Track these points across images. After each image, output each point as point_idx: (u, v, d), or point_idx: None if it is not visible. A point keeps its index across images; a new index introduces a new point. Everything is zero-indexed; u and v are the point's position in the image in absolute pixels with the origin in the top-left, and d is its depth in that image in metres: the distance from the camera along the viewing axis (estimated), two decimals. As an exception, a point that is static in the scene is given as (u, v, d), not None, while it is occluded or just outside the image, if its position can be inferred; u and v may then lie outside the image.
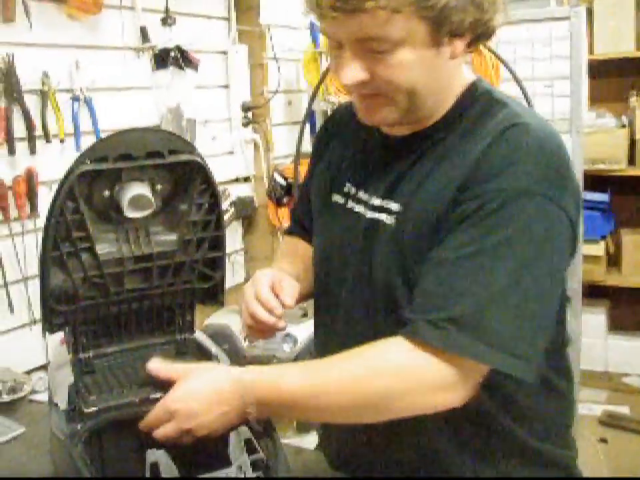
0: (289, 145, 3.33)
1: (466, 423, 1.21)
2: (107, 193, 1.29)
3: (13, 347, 2.19)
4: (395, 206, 1.21)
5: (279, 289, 1.30)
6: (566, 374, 1.34)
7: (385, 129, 1.26)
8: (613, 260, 4.24)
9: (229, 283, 1.49)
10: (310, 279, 1.44)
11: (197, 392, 1.15)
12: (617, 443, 3.65)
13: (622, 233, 4.23)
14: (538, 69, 2.83)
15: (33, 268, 2.21)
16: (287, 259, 1.52)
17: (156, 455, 1.16)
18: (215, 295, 1.49)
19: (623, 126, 4.05)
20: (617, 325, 4.42)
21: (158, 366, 1.23)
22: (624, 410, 3.99)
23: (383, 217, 1.22)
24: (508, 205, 1.07)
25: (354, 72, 1.10)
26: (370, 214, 1.26)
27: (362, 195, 1.30)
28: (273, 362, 1.99)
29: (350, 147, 1.36)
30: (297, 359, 2.29)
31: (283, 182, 3.01)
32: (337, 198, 1.35)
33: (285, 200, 3.00)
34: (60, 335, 2.17)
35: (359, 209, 1.29)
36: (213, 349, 1.48)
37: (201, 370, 1.20)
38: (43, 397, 1.97)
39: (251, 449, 1.20)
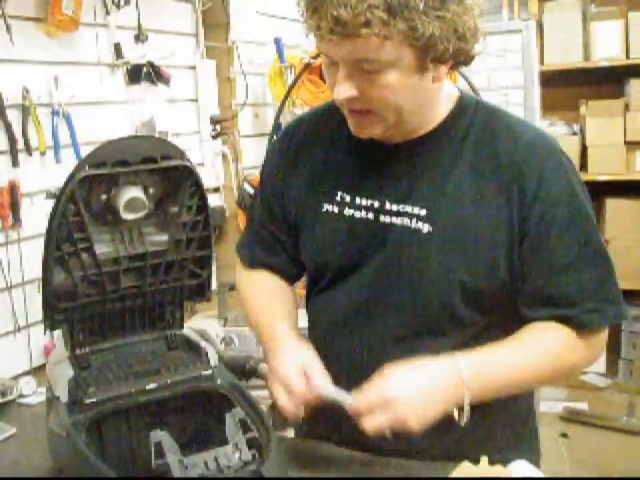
0: (256, 156, 3.43)
1: None
2: (104, 196, 1.38)
3: (-2, 353, 2.26)
4: (417, 210, 1.31)
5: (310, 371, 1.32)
6: None
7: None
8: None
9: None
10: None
11: (417, 383, 1.21)
12: (577, 437, 3.79)
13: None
14: (493, 79, 2.99)
15: (17, 277, 2.28)
16: (277, 305, 1.52)
17: (159, 436, 1.24)
18: (202, 292, 1.57)
19: (574, 133, 4.23)
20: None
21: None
22: (583, 406, 4.14)
23: (405, 221, 1.31)
24: (579, 199, 1.29)
25: (346, 89, 1.22)
26: (385, 218, 1.34)
27: (362, 201, 1.37)
28: (249, 362, 2.06)
29: (332, 156, 1.42)
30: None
31: (251, 191, 3.10)
32: (329, 207, 1.41)
33: (254, 208, 3.09)
34: (44, 341, 2.25)
35: (361, 214, 1.36)
36: (202, 343, 1.56)
37: (417, 365, 1.24)
38: (31, 400, 2.04)
39: (245, 429, 1.29)
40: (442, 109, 1.34)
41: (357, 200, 1.37)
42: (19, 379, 2.17)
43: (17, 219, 2.24)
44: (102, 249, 1.41)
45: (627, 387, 4.11)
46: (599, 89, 4.32)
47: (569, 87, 4.39)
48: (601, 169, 4.12)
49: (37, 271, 2.32)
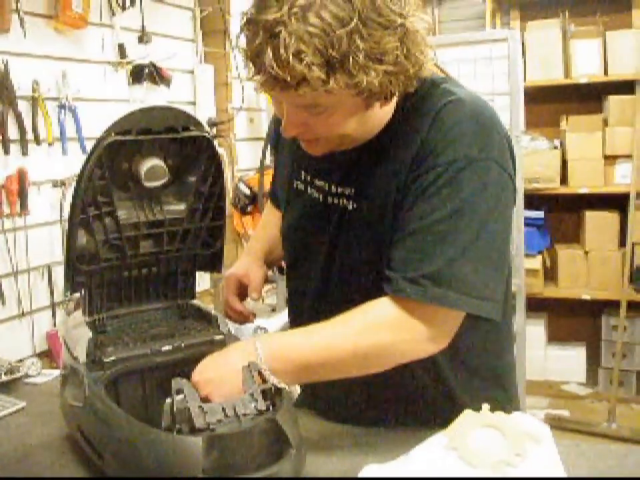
0: (251, 159, 3.52)
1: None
2: (126, 164, 1.45)
3: (3, 336, 2.31)
4: (352, 191, 1.38)
5: (247, 283, 1.67)
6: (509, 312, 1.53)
7: None
8: (550, 274, 4.50)
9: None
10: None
11: (212, 365, 1.31)
12: (559, 442, 3.86)
13: (557, 248, 4.50)
14: (481, 85, 3.09)
15: (23, 263, 2.34)
16: (266, 229, 1.79)
17: (180, 383, 1.29)
18: (214, 264, 1.64)
19: (555, 148, 4.34)
20: (554, 336, 4.68)
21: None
22: (564, 413, 4.23)
23: (343, 202, 1.39)
24: (461, 173, 1.21)
25: (293, 128, 1.26)
26: (330, 199, 1.42)
27: (318, 182, 1.46)
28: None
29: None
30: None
31: (247, 191, 3.19)
32: (298, 184, 1.51)
33: (249, 208, 3.18)
34: (47, 329, 2.29)
35: (316, 194, 1.46)
36: (213, 312, 1.63)
37: (222, 350, 1.35)
38: (37, 379, 2.09)
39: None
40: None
41: (315, 181, 1.46)
42: (25, 361, 2.22)
43: (23, 207, 2.31)
44: (123, 214, 1.47)
45: (607, 395, 4.19)
46: (579, 105, 4.44)
47: (550, 103, 4.50)
48: (581, 182, 4.23)
49: (42, 258, 2.41)
